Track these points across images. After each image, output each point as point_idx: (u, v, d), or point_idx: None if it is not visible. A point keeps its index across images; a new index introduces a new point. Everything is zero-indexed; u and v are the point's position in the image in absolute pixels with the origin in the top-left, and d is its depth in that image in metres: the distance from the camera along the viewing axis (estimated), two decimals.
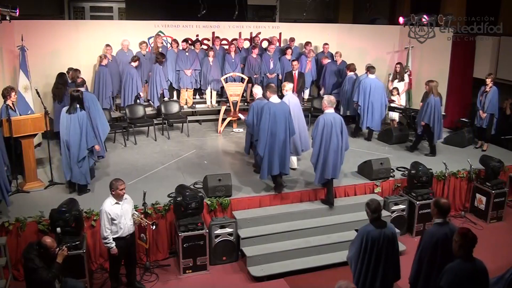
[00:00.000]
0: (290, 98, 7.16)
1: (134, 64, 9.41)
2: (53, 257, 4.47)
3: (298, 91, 9.56)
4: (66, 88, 7.95)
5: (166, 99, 9.85)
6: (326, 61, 10.48)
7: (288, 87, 7.27)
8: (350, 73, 9.75)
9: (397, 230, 4.55)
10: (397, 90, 10.18)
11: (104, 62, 9.05)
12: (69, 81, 8.28)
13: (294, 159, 7.42)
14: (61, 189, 6.69)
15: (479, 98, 9.01)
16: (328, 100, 6.36)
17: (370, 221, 4.45)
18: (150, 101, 9.78)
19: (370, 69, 9.18)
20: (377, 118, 9.16)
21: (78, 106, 6.37)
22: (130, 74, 9.32)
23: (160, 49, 10.08)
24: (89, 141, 6.40)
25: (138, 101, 9.53)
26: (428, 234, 4.26)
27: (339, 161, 6.41)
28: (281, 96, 7.12)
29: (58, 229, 5.03)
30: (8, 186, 5.94)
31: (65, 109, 6.44)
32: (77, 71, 8.28)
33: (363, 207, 6.80)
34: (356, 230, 4.58)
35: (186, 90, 10.24)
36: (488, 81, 8.78)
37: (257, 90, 7.39)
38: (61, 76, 8.28)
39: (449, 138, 9.53)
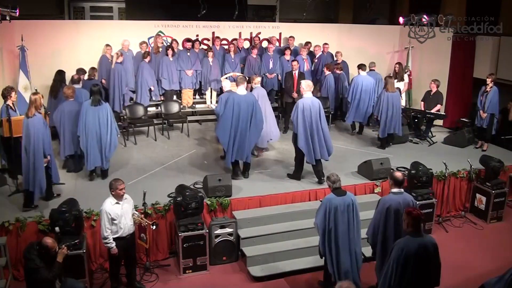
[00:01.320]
0: (259, 90, 7.73)
1: (147, 60, 9.51)
2: (54, 257, 4.46)
3: (298, 91, 9.54)
4: (62, 85, 8.06)
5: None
6: (339, 72, 10.30)
7: (256, 80, 7.83)
8: (328, 73, 10.07)
9: (354, 198, 5.20)
10: (399, 90, 10.17)
11: (120, 59, 9.16)
12: (86, 77, 8.60)
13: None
14: (61, 189, 6.68)
15: (479, 98, 9.01)
16: (306, 84, 6.83)
17: (331, 191, 5.13)
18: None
19: (361, 66, 9.52)
20: (363, 111, 9.51)
21: (99, 98, 6.81)
22: (145, 69, 9.47)
23: (160, 49, 10.08)
24: (116, 128, 7.00)
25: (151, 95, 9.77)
26: (383, 201, 4.96)
27: (323, 142, 6.77)
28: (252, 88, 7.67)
29: (57, 228, 5.03)
30: (43, 183, 5.96)
31: (87, 103, 6.77)
32: (94, 69, 8.73)
33: (363, 207, 6.89)
34: (321, 201, 5.21)
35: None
36: (489, 81, 8.78)
37: (225, 83, 7.83)
38: (59, 73, 8.37)
39: (449, 138, 9.54)
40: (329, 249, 5.04)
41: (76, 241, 5.22)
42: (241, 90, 6.91)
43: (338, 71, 10.28)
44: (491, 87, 8.77)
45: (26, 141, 5.86)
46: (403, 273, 4.08)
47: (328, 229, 4.97)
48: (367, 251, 5.47)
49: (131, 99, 9.73)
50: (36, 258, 4.35)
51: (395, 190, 4.98)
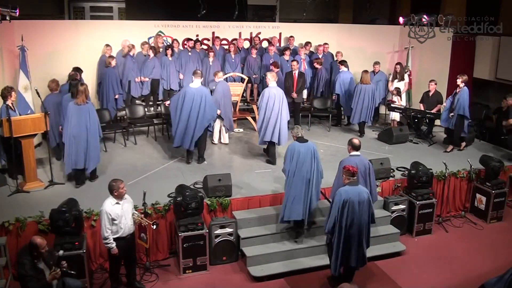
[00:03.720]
0: (223, 85, 8.50)
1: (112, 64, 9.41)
2: (45, 256, 4.51)
3: (298, 91, 9.56)
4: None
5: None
6: (318, 66, 10.41)
7: (219, 75, 8.52)
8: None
9: (314, 145, 6.13)
10: (398, 90, 10.18)
11: (133, 52, 9.48)
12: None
13: (226, 135, 8.89)
14: (61, 189, 6.68)
15: (450, 99, 8.87)
16: (271, 75, 7.72)
17: (295, 140, 6.03)
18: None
19: (342, 62, 10.05)
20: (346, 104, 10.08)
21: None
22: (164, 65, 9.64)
23: (160, 49, 10.07)
24: (99, 129, 6.97)
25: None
26: (342, 162, 5.80)
27: (278, 128, 7.55)
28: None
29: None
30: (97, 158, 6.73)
31: (71, 102, 6.67)
32: (78, 69, 8.42)
33: None
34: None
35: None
36: (459, 81, 8.67)
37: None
38: (76, 69, 8.43)
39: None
40: (292, 188, 5.88)
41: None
42: (195, 83, 7.53)
43: (317, 66, 10.24)
44: (461, 87, 8.66)
45: (76, 128, 6.53)
46: (343, 213, 5.13)
47: (293, 172, 5.86)
48: None
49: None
50: (27, 263, 4.37)
51: (353, 153, 5.93)
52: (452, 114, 8.63)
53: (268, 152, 7.97)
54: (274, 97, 7.49)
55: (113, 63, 9.00)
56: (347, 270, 5.51)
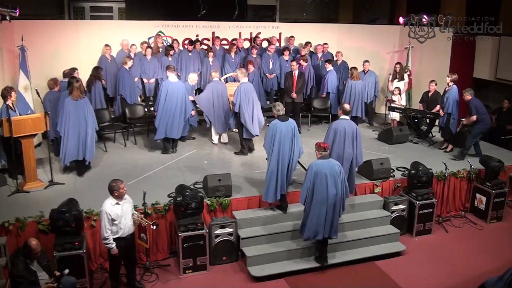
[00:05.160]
0: (218, 84, 8.69)
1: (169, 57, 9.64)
2: (37, 258, 4.58)
3: (298, 91, 9.55)
4: (96, 81, 8.70)
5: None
6: (304, 64, 10.22)
7: (213, 74, 8.75)
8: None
9: (294, 122, 6.44)
10: (399, 89, 10.19)
11: (134, 52, 9.61)
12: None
13: (225, 135, 9.03)
14: (61, 189, 6.69)
15: (441, 98, 8.94)
16: (240, 72, 8.16)
17: (276, 118, 6.31)
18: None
19: (328, 61, 10.24)
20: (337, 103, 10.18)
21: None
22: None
23: (160, 49, 10.07)
24: (95, 123, 7.25)
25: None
26: (332, 124, 6.45)
27: (256, 120, 8.07)
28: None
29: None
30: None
31: (68, 97, 6.93)
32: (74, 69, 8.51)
33: (363, 207, 6.94)
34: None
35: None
36: (448, 80, 8.67)
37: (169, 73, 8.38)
38: (96, 69, 8.83)
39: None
40: (270, 166, 6.18)
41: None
42: (172, 77, 8.05)
43: (303, 63, 10.11)
44: (450, 86, 8.65)
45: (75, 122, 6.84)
46: (315, 184, 5.56)
47: (276, 149, 6.13)
48: None
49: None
50: (20, 263, 4.42)
51: (342, 116, 6.47)
52: (442, 113, 8.72)
53: (245, 144, 8.32)
54: (249, 92, 7.98)
55: (129, 63, 9.08)
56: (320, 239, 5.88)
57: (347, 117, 6.48)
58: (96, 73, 8.76)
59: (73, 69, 8.39)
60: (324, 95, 10.34)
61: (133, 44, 9.81)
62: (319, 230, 5.69)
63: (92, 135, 7.06)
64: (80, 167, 7.15)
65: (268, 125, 6.40)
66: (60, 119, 6.90)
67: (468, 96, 8.21)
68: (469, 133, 8.26)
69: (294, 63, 9.54)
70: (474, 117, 8.08)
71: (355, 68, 9.83)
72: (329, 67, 10.17)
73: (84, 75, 8.69)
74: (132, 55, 9.64)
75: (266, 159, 6.36)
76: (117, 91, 9.25)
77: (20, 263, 4.44)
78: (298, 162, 6.57)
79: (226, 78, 9.95)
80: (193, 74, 9.03)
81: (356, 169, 6.67)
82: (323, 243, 5.95)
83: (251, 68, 9.66)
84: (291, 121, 6.31)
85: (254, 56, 10.35)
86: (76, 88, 6.89)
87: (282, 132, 6.13)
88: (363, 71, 10.43)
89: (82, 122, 6.91)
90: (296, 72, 9.47)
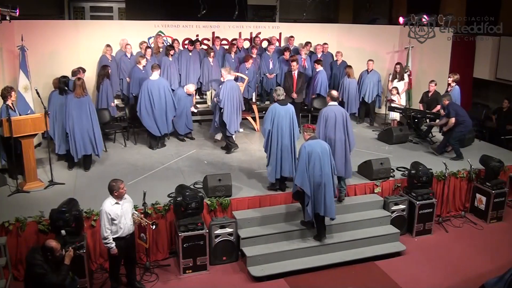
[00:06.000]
0: (233, 85, 8.48)
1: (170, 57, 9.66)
2: (59, 259, 4.42)
3: (298, 91, 9.54)
4: (104, 79, 8.84)
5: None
6: (318, 68, 10.24)
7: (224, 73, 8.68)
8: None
9: (292, 107, 6.75)
10: (397, 89, 10.18)
11: (130, 51, 9.65)
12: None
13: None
14: (61, 189, 6.69)
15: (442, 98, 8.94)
16: (224, 70, 8.38)
17: (276, 102, 6.67)
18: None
19: (317, 61, 10.25)
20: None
21: (63, 87, 7.33)
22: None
23: (160, 49, 10.07)
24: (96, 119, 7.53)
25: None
26: (322, 111, 6.70)
27: (240, 117, 8.50)
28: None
29: (63, 232, 4.91)
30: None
31: (70, 96, 7.20)
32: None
33: (363, 207, 6.95)
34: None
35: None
36: (450, 80, 8.67)
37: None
38: (103, 68, 8.89)
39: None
40: (271, 147, 6.56)
41: (81, 242, 5.21)
42: (154, 75, 8.27)
43: (295, 64, 10.07)
44: (452, 87, 8.64)
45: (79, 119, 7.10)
46: (309, 163, 5.83)
47: (275, 133, 6.49)
48: None
49: None
50: (43, 263, 4.28)
51: (331, 103, 6.73)
52: (444, 113, 8.69)
53: (231, 140, 8.52)
54: (234, 89, 8.25)
55: (143, 62, 9.08)
56: (317, 217, 6.13)
57: (336, 103, 6.75)
58: (104, 71, 8.85)
59: (80, 68, 8.44)
60: (314, 96, 10.28)
61: (127, 44, 9.73)
62: (318, 208, 5.96)
63: (99, 130, 7.36)
64: (87, 161, 7.43)
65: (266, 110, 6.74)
66: (65, 117, 7.12)
67: (445, 101, 8.38)
68: (450, 136, 8.33)
69: (294, 63, 9.52)
70: (453, 119, 8.17)
71: (349, 66, 10.14)
72: (319, 67, 10.15)
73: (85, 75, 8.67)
74: (128, 55, 9.64)
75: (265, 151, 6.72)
76: (130, 90, 9.35)
77: (41, 262, 4.27)
78: None
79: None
80: (192, 85, 9.08)
81: (350, 153, 6.84)
82: (321, 221, 6.20)
83: (249, 63, 9.74)
84: (290, 106, 6.65)
85: (254, 56, 10.35)
86: (78, 86, 7.10)
87: (281, 114, 6.49)
88: (367, 70, 10.43)
89: (86, 118, 7.16)
90: (295, 72, 9.46)
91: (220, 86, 8.38)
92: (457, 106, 8.39)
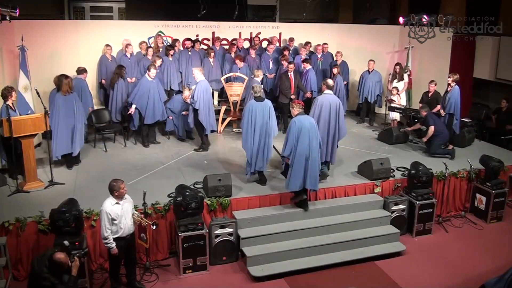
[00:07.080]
0: (206, 85, 8.53)
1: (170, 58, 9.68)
2: (66, 271, 4.34)
3: (296, 92, 9.54)
4: (119, 79, 8.88)
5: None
6: (307, 66, 10.06)
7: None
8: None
9: (270, 102, 6.94)
10: (397, 89, 10.19)
11: (130, 51, 9.60)
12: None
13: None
14: (61, 189, 6.69)
15: (443, 98, 8.95)
16: (197, 70, 8.41)
17: (254, 99, 6.84)
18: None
19: (306, 60, 10.10)
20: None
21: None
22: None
23: (160, 49, 10.07)
24: (84, 118, 7.80)
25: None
26: (318, 99, 6.99)
27: (212, 117, 8.56)
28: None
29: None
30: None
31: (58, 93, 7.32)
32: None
33: (363, 207, 6.94)
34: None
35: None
36: (450, 80, 8.67)
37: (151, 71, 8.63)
38: (119, 67, 8.94)
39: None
40: (251, 142, 6.74)
41: (85, 249, 5.14)
42: (151, 75, 8.46)
43: (285, 63, 9.94)
44: (452, 87, 8.65)
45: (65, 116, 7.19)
46: (299, 137, 6.12)
47: (252, 128, 6.70)
48: None
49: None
50: (51, 276, 4.18)
51: (326, 91, 7.00)
52: (443, 113, 8.72)
53: (205, 140, 8.62)
54: (206, 90, 8.34)
55: (158, 62, 9.10)
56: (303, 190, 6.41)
57: (331, 92, 7.04)
58: (119, 71, 8.88)
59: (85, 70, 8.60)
60: (308, 94, 9.95)
61: (128, 44, 9.68)
62: (303, 181, 6.24)
63: (81, 129, 7.43)
64: (69, 160, 7.48)
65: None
66: (50, 114, 7.08)
67: (423, 112, 8.57)
68: (430, 148, 8.47)
69: (291, 65, 9.48)
70: (432, 128, 8.32)
71: (337, 65, 10.36)
72: (308, 66, 10.01)
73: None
74: (128, 55, 9.63)
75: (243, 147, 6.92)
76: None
77: (48, 276, 4.16)
78: (274, 147, 7.15)
79: (226, 78, 9.94)
80: (188, 90, 8.94)
81: (339, 140, 7.16)
82: (305, 191, 6.46)
83: (241, 64, 9.76)
84: (267, 101, 6.88)
85: (253, 56, 10.35)
86: (65, 84, 7.21)
87: (258, 110, 6.69)
88: (368, 70, 10.42)
89: (71, 116, 7.25)
90: (292, 74, 9.45)
91: (194, 86, 8.49)
92: (436, 118, 8.55)
